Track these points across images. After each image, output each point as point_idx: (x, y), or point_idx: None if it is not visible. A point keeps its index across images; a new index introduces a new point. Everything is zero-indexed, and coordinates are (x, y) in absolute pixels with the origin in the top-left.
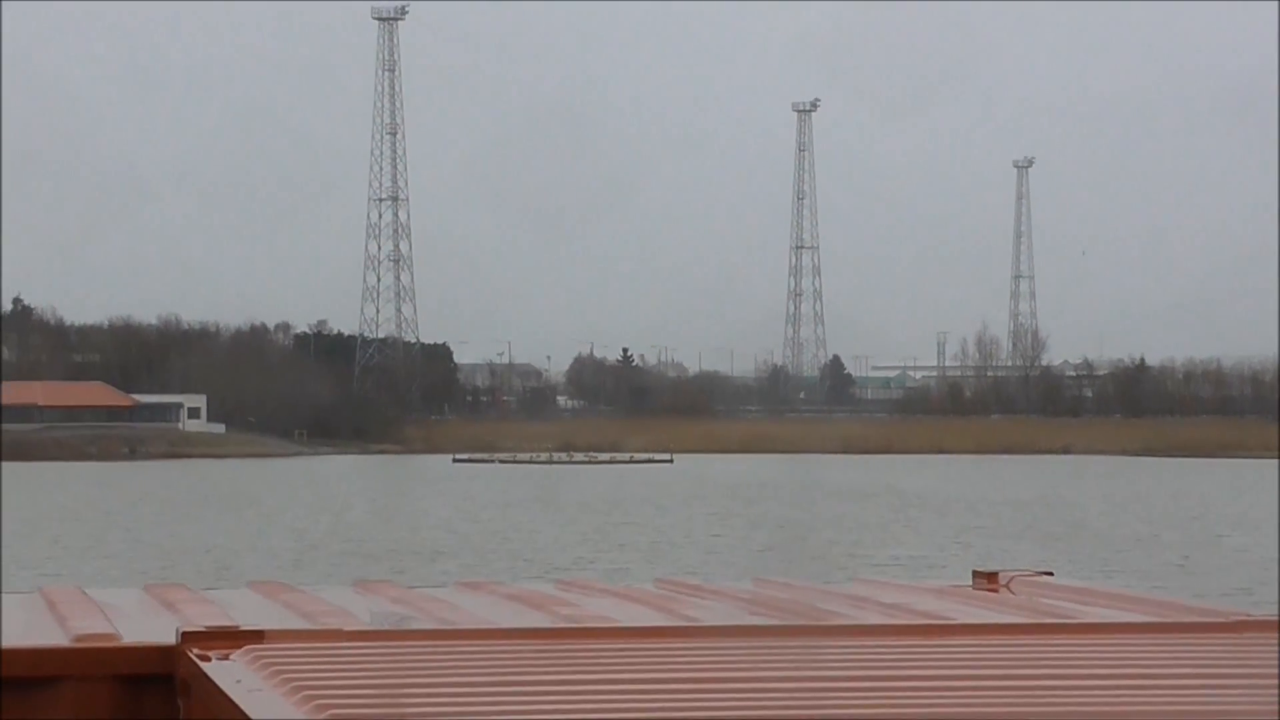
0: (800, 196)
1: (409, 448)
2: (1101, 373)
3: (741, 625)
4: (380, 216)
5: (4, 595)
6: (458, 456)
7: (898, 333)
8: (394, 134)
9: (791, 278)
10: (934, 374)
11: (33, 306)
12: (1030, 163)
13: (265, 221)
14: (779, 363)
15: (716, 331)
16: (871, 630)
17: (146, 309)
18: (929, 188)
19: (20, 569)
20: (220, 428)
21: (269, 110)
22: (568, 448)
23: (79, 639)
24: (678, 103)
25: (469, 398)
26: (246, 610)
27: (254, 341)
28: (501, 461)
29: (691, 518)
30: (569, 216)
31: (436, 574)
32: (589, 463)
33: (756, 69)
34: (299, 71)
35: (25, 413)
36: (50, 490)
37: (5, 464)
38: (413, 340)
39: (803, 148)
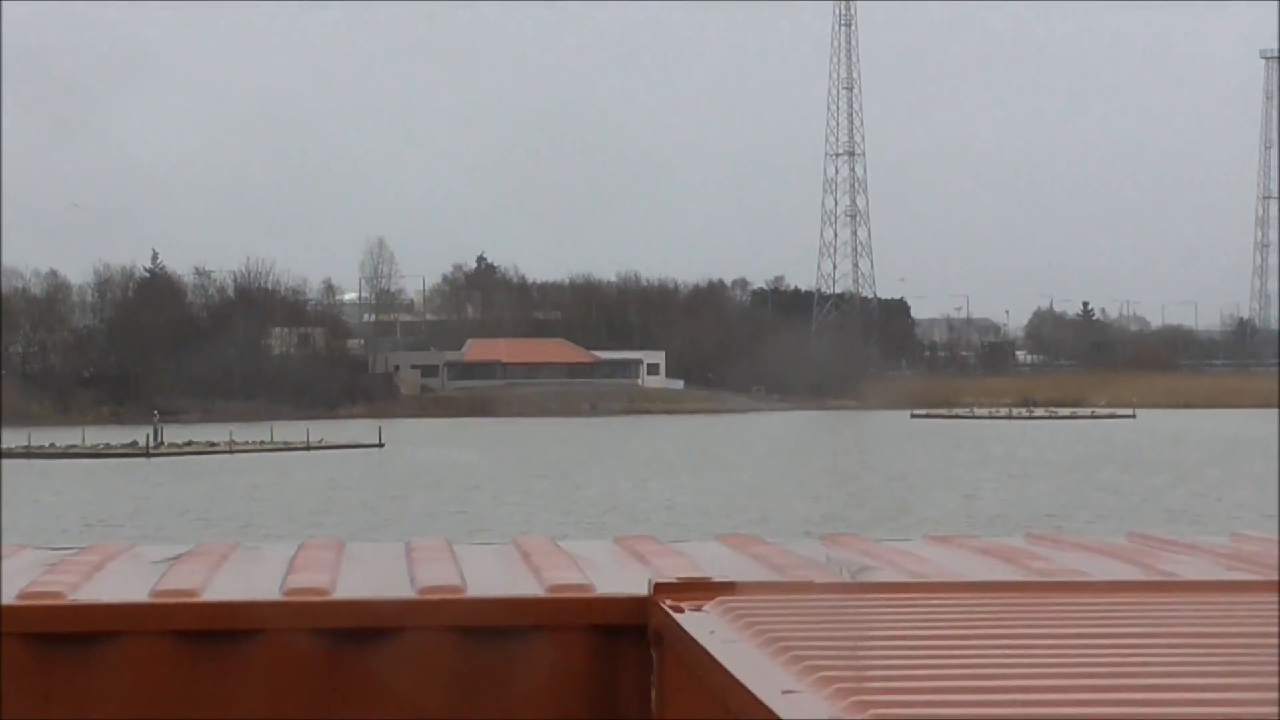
0: (1267, 145)
1: (865, 403)
2: None
3: (1219, 580)
4: (837, 172)
5: (480, 546)
6: (915, 412)
7: None
8: (850, 89)
9: (1258, 229)
10: None
11: (496, 265)
12: None
13: (720, 180)
14: (1245, 316)
15: (1180, 284)
16: None
17: (606, 266)
18: None
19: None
20: (679, 383)
21: (725, 68)
22: (1028, 403)
23: (553, 589)
24: (1137, 56)
25: (926, 353)
26: (716, 562)
27: (711, 297)
28: (959, 417)
29: (1158, 472)
30: (1025, 172)
31: (903, 529)
32: (1049, 418)
33: (1220, 14)
34: (756, 25)
35: (489, 369)
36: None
37: (471, 419)
38: (870, 296)
39: (1270, 95)
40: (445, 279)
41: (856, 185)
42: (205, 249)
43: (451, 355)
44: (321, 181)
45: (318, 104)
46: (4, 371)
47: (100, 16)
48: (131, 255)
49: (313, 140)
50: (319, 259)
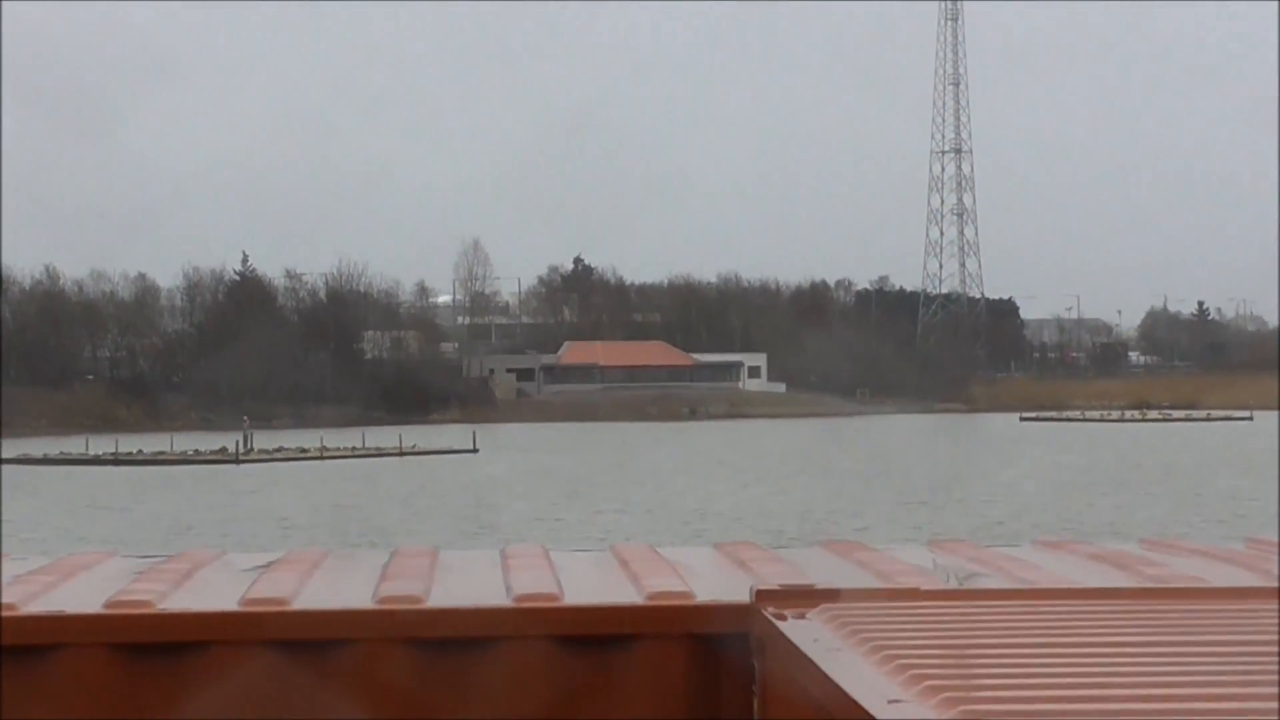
0: None
1: (974, 406)
2: None
3: None
4: (943, 169)
5: (578, 553)
6: (1025, 415)
7: None
8: (956, 85)
9: None
10: None
11: (594, 266)
12: None
13: (822, 178)
14: None
15: None
16: None
17: (706, 267)
18: None
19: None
20: (780, 387)
21: (829, 65)
22: (1141, 405)
23: (653, 596)
24: (1255, 49)
25: (1036, 354)
26: (819, 569)
27: (814, 299)
28: (1070, 420)
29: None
30: (1137, 169)
31: (1010, 534)
32: (1163, 420)
33: None
34: (862, 20)
35: (587, 373)
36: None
37: (567, 424)
38: (977, 296)
39: None
40: (541, 281)
41: (963, 183)
42: (292, 253)
43: (548, 359)
44: (409, 181)
45: (388, 100)
46: (74, 378)
47: (125, 17)
48: (221, 258)
49: (396, 138)
50: (412, 261)
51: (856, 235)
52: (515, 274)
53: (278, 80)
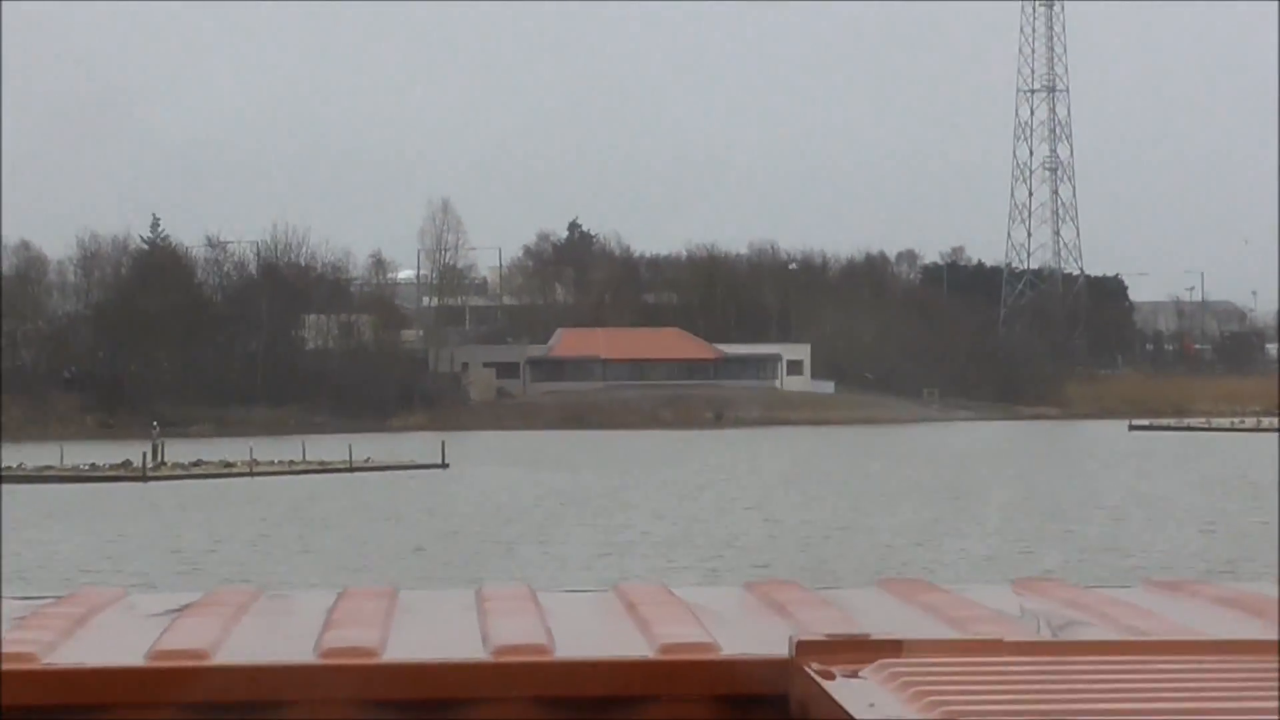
0: None
1: (1070, 410)
2: None
3: None
4: (1032, 113)
5: (574, 594)
6: (1135, 423)
7: None
8: (1049, 5)
9: None
10: None
11: (594, 234)
12: None
13: (879, 125)
14: None
15: None
16: None
17: (735, 236)
18: None
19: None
20: (828, 386)
21: None
22: None
23: (667, 649)
24: None
25: (1149, 346)
26: (875, 614)
27: (871, 275)
28: (1192, 429)
29: None
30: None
31: (1116, 574)
32: None
33: None
34: None
35: (585, 367)
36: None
37: (561, 432)
38: (1075, 272)
39: None
40: (528, 251)
41: (1058, 130)
42: (221, 219)
43: (536, 350)
44: (366, 132)
45: (364, 44)
46: None
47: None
48: (125, 222)
49: (356, 82)
50: (366, 227)
51: (922, 196)
52: (495, 243)
53: None
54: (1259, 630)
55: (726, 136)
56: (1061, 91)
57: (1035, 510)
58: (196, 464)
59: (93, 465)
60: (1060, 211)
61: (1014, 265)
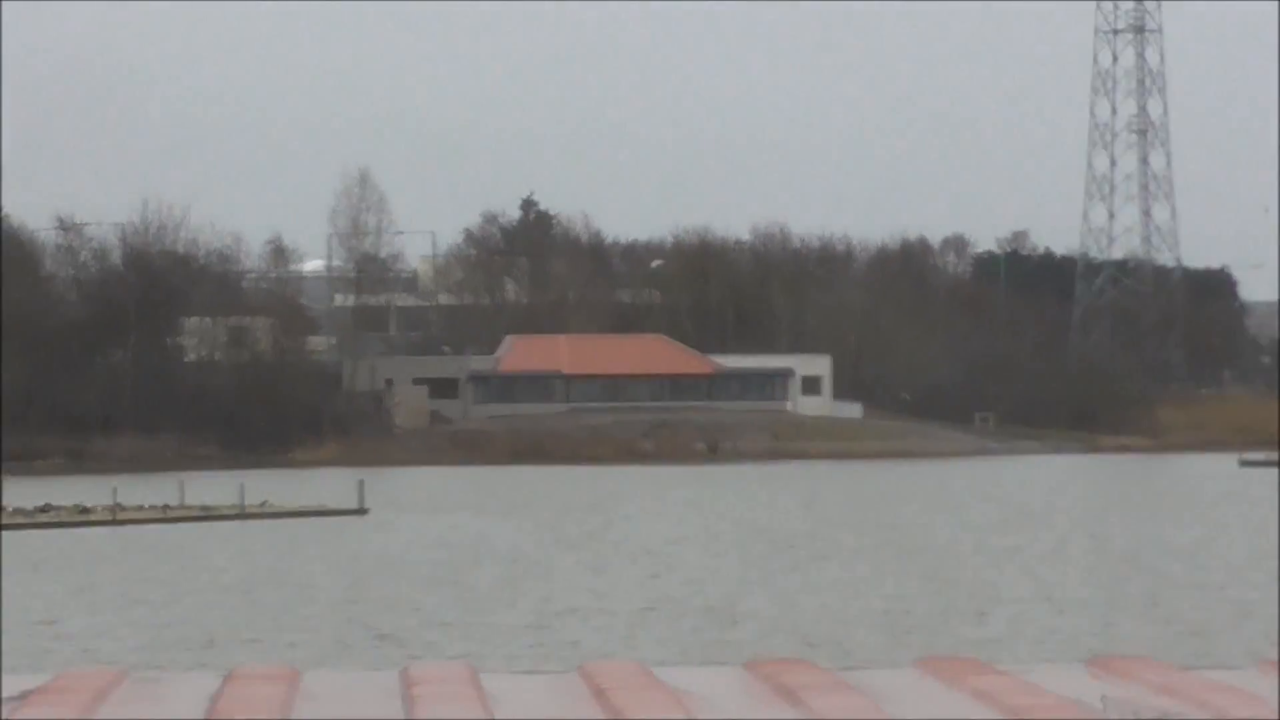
0: None
1: (1163, 441)
2: None
3: None
4: (1115, 60)
5: (526, 677)
6: (1247, 457)
7: None
8: None
9: None
10: None
11: (554, 214)
12: None
13: (920, 78)
14: None
15: None
16: None
17: (734, 218)
18: None
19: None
20: (854, 409)
21: None
22: None
23: None
24: None
25: (1264, 358)
26: (911, 703)
27: (908, 267)
28: None
29: None
30: None
31: (1218, 650)
32: None
33: None
34: None
35: (542, 385)
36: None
37: (511, 468)
38: (1170, 263)
39: None
40: (470, 237)
41: (1149, 80)
42: (75, 195)
43: (481, 363)
44: (259, 86)
45: None
46: None
47: None
48: None
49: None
50: (262, 206)
51: (973, 167)
52: (428, 226)
53: None
54: None
55: (723, 92)
56: (1153, 32)
57: (1119, 574)
58: (44, 509)
59: None
60: (1151, 186)
61: (1091, 254)
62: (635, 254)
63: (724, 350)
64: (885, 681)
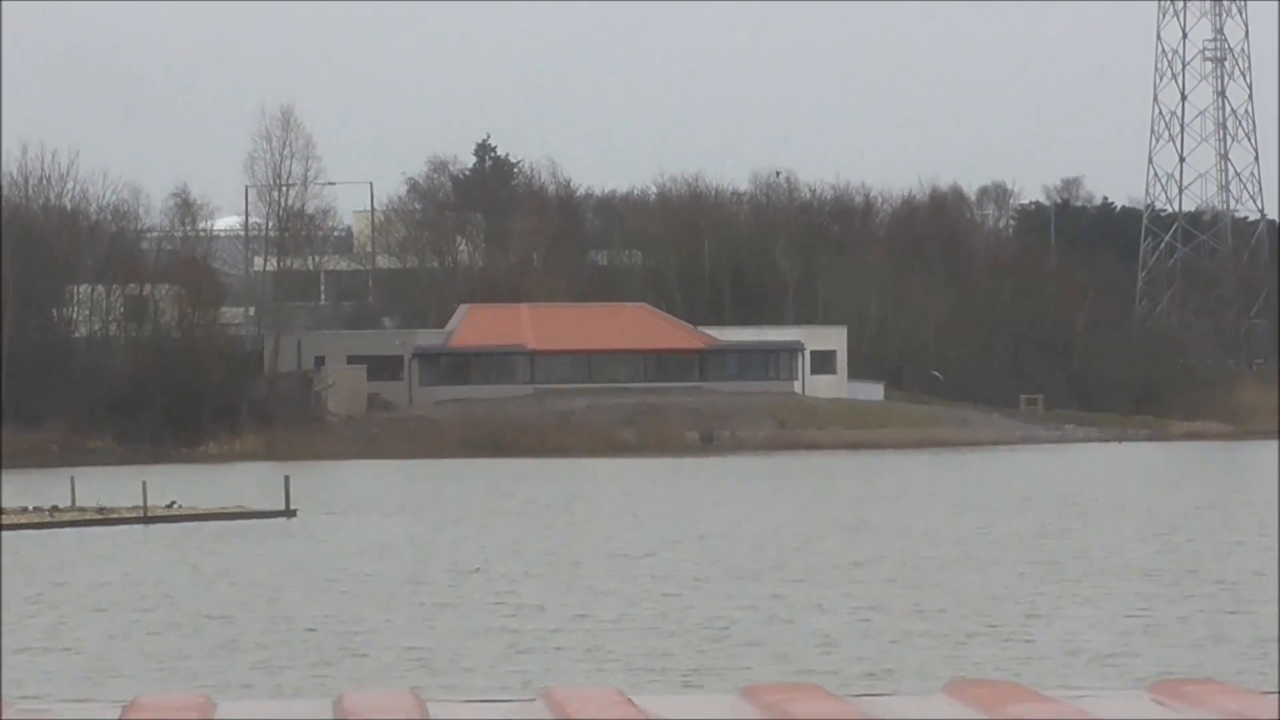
0: None
1: (1244, 427)
2: None
3: None
4: None
5: (483, 704)
6: None
7: None
8: None
9: None
10: None
11: (515, 161)
12: None
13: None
14: None
15: None
16: None
17: (731, 165)
18: None
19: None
20: (875, 390)
21: None
22: None
23: None
24: None
25: None
26: None
27: (940, 222)
28: None
29: None
30: None
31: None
32: None
33: None
34: None
35: (503, 363)
36: None
37: (465, 460)
38: (1253, 217)
39: None
40: (415, 188)
41: (1225, 8)
42: None
43: (429, 337)
44: (158, 13)
45: None
46: None
47: None
48: None
49: None
50: (165, 152)
51: (1017, 104)
52: (365, 176)
53: None
54: None
55: (718, 18)
56: None
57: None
58: None
59: None
60: (1229, 124)
61: (1158, 206)
62: (612, 207)
63: (719, 322)
64: (910, 711)
